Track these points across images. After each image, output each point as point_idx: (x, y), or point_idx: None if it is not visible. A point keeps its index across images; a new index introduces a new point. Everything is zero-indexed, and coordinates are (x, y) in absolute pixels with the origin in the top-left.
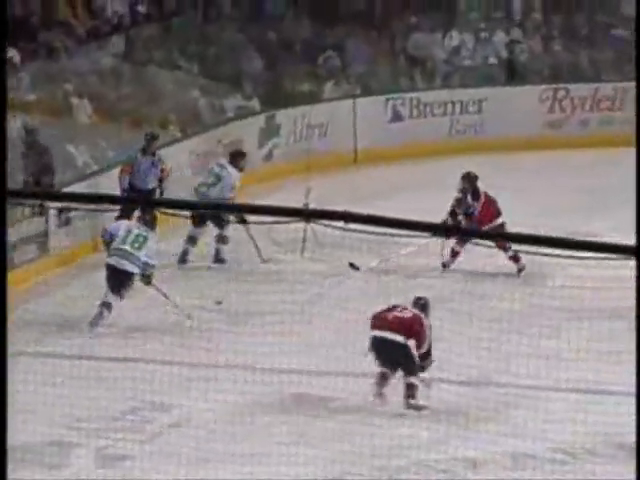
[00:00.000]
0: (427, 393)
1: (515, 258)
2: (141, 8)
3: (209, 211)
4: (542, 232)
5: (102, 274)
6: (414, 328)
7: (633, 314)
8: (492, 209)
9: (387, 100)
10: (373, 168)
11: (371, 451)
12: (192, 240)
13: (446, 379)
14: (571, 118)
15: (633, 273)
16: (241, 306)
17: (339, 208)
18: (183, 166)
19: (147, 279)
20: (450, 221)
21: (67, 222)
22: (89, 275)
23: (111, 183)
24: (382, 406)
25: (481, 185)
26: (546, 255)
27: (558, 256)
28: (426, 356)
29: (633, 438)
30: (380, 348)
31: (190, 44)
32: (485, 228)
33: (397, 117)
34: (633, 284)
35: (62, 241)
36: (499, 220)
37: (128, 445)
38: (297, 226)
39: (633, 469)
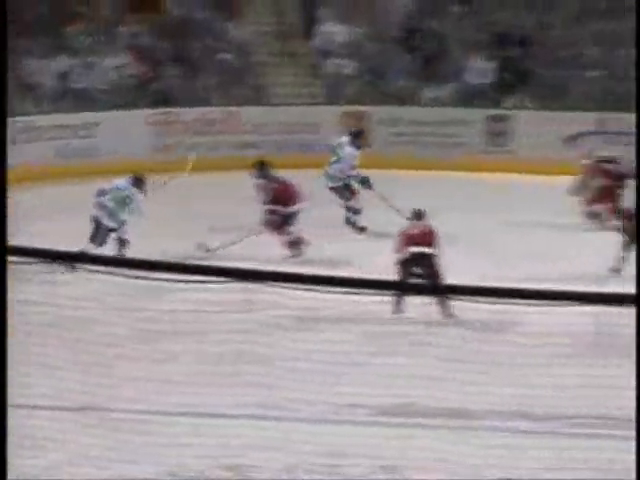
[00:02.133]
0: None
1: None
2: None
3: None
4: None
5: None
6: (434, 238)
7: (256, 337)
8: (287, 192)
9: None
10: None
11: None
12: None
13: (60, 406)
14: (181, 142)
15: (265, 297)
16: None
17: None
18: None
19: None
20: (270, 209)
21: None
22: None
23: None
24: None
25: None
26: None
27: (167, 280)
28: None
29: (240, 460)
30: (416, 262)
31: None
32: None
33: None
34: (241, 307)
35: None
36: (295, 207)
37: None
38: None
39: None
